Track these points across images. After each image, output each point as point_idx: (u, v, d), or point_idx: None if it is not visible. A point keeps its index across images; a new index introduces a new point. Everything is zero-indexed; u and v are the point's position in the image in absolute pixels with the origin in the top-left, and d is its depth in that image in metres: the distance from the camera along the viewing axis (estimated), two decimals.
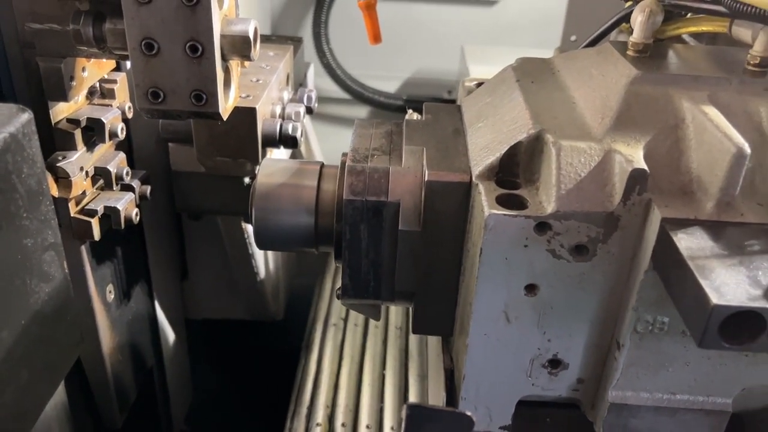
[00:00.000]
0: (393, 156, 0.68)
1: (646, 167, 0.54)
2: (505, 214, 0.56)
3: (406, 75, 2.01)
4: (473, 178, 0.61)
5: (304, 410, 1.00)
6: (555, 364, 0.63)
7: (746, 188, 0.55)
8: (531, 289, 0.59)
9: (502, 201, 0.58)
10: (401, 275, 0.68)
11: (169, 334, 1.26)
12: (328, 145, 1.75)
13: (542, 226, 0.56)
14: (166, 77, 0.65)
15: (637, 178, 0.54)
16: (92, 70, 0.80)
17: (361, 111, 2.02)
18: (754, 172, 0.56)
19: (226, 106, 0.69)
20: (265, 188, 0.70)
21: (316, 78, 1.89)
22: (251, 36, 0.66)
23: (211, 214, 1.05)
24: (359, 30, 1.89)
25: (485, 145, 0.63)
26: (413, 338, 1.12)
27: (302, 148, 1.47)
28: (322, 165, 0.73)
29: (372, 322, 1.17)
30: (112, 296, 0.99)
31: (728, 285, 0.45)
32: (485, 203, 0.57)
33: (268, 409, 1.39)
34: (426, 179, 0.62)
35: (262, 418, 1.39)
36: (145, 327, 1.14)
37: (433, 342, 0.99)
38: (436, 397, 0.86)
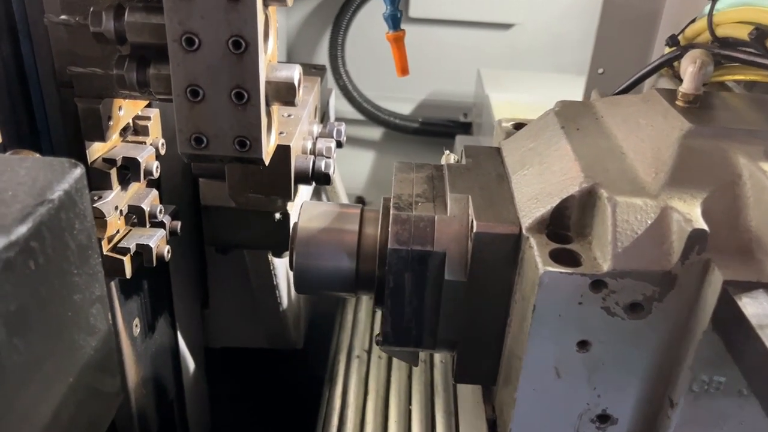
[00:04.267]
0: (437, 203, 0.67)
1: (706, 227, 0.53)
2: (560, 272, 0.55)
3: (422, 97, 2.01)
4: (523, 231, 0.60)
5: None
6: (604, 419, 0.62)
7: None
8: (583, 345, 0.58)
9: (555, 256, 0.57)
10: (445, 324, 0.67)
11: (190, 365, 1.25)
12: (343, 166, 1.75)
13: (598, 284, 0.55)
14: (210, 123, 0.65)
15: (696, 238, 0.53)
16: (128, 108, 0.80)
17: (376, 132, 2.02)
18: None
19: (267, 149, 0.69)
20: (306, 233, 0.69)
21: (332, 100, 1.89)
22: (296, 83, 0.65)
23: (240, 248, 1.04)
24: (375, 52, 1.89)
25: (533, 196, 0.63)
26: (438, 372, 1.11)
27: None
28: (363, 209, 0.72)
29: None
30: (138, 330, 0.98)
31: None
32: (539, 259, 0.56)
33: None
34: (474, 231, 0.62)
35: None
36: (168, 359, 1.13)
37: None
38: None
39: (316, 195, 1.43)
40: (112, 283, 0.88)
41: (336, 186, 1.49)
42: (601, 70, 1.12)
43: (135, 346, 0.97)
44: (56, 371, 0.51)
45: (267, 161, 0.68)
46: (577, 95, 1.13)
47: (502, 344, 0.66)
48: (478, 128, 1.80)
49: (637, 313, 0.56)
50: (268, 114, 0.68)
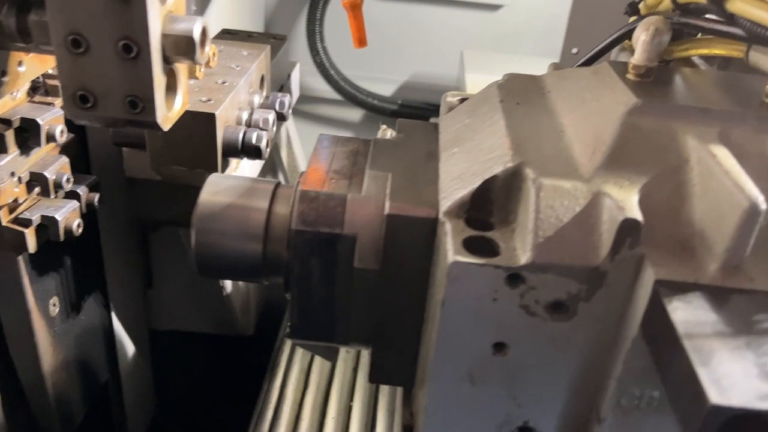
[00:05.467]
0: (354, 181, 0.60)
1: (640, 217, 0.45)
2: (471, 263, 0.47)
3: (403, 78, 1.92)
4: (440, 215, 0.53)
5: None
6: None
7: (760, 247, 0.46)
8: (500, 348, 0.51)
9: (471, 245, 0.49)
10: (357, 318, 0.59)
11: (128, 347, 1.17)
12: None
13: (514, 278, 0.48)
14: (97, 79, 0.57)
15: (628, 229, 0.45)
16: (32, 64, 0.72)
17: (354, 114, 1.94)
18: None
19: (167, 114, 0.61)
20: (208, 208, 0.61)
21: (308, 77, 1.80)
22: (196, 37, 0.57)
23: (170, 225, 0.97)
24: None
25: (458, 176, 0.55)
26: None
27: (283, 153, 1.38)
28: (278, 185, 0.64)
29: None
30: (57, 309, 0.91)
31: (732, 376, 0.37)
32: (450, 247, 0.49)
33: (234, 427, 1.31)
34: (386, 212, 0.54)
35: None
36: (99, 340, 1.06)
37: None
38: None
39: (272, 173, 1.35)
40: (20, 258, 0.80)
41: (297, 164, 1.41)
42: (575, 50, 1.04)
43: (52, 327, 0.90)
44: None
45: (165, 127, 0.61)
46: None
47: (420, 342, 0.59)
48: None
49: (561, 314, 0.49)
50: (171, 73, 0.61)
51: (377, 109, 1.85)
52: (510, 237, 0.50)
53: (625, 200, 0.47)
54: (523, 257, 0.47)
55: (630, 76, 0.56)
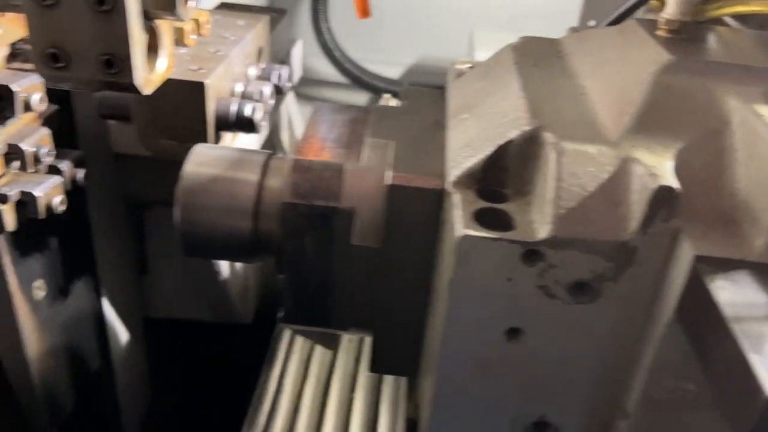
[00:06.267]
0: (352, 150, 0.54)
1: (676, 184, 0.40)
2: (483, 237, 0.42)
3: (412, 60, 1.86)
4: (448, 185, 0.47)
5: None
6: (541, 427, 0.50)
7: None
8: (514, 333, 0.45)
9: (482, 218, 0.44)
10: (356, 301, 0.54)
11: (122, 334, 1.13)
12: None
13: (532, 255, 0.42)
14: (68, 35, 0.52)
15: (663, 198, 0.40)
16: (9, 28, 0.67)
17: (360, 97, 1.88)
18: None
19: (148, 76, 0.56)
20: (193, 181, 0.56)
21: (312, 59, 1.75)
22: None
23: (161, 204, 0.92)
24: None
25: (467, 143, 0.49)
26: None
27: (284, 135, 1.33)
28: (271, 155, 0.59)
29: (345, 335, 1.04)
30: (43, 293, 0.86)
31: None
32: (458, 220, 0.43)
33: (232, 418, 1.26)
34: (389, 183, 0.48)
35: (227, 426, 1.26)
36: (89, 326, 1.01)
37: None
38: None
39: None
40: (1, 237, 0.75)
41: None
42: (592, 23, 0.97)
43: (37, 311, 0.85)
44: None
45: (147, 90, 0.55)
46: None
47: (424, 327, 0.53)
48: None
49: (584, 296, 0.43)
50: (151, 31, 0.55)
51: (384, 92, 1.79)
52: (526, 209, 0.45)
53: (659, 166, 0.41)
54: (542, 231, 0.42)
55: (661, 33, 0.50)
